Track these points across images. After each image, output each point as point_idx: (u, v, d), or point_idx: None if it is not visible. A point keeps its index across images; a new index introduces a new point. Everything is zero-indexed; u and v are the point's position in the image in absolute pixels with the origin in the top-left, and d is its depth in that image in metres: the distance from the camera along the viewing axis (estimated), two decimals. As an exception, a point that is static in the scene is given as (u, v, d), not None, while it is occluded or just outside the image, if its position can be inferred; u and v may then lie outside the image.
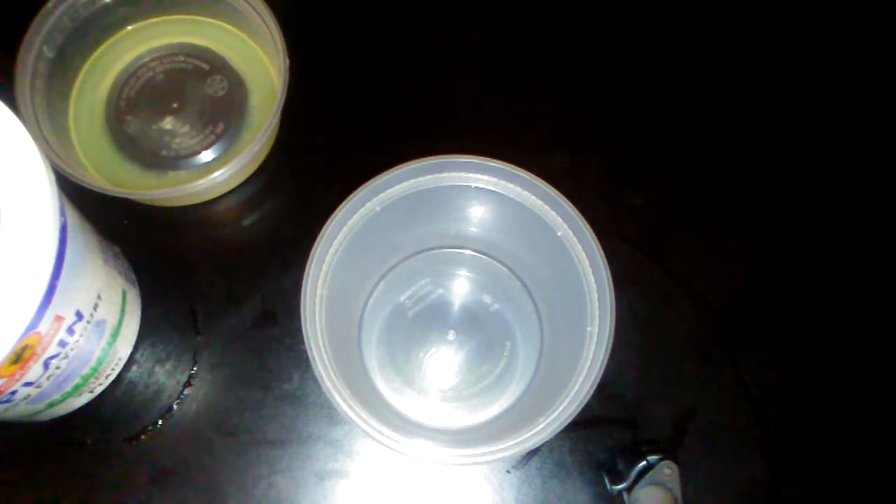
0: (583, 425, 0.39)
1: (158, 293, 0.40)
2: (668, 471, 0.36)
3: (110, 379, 0.37)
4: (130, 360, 0.38)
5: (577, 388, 0.32)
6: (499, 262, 0.40)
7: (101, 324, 0.33)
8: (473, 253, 0.41)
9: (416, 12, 0.47)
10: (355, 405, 0.31)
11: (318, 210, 0.34)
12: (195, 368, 0.39)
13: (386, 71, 0.46)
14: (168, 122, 0.42)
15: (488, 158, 0.34)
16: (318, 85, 0.44)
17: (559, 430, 0.31)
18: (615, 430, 0.39)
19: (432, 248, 0.41)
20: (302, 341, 0.31)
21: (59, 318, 0.28)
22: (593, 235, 0.34)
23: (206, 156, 0.42)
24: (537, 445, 0.31)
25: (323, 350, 0.32)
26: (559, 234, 0.35)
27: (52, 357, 0.30)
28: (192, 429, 0.38)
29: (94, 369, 0.35)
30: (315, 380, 0.31)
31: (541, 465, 0.39)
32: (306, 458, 0.38)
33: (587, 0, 0.49)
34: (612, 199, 0.44)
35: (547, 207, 0.35)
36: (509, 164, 0.34)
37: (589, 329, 0.33)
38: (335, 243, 0.34)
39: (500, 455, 0.31)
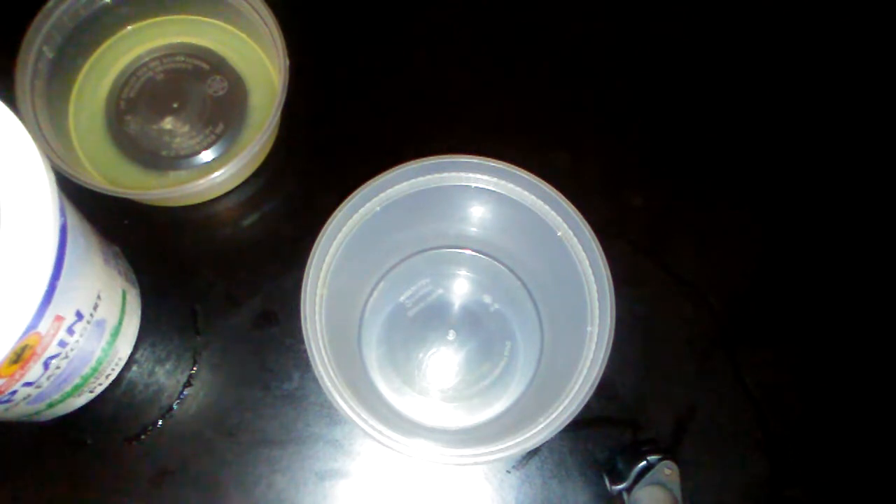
0: (583, 425, 0.39)
1: (158, 293, 0.40)
2: (668, 471, 0.36)
3: (110, 379, 0.37)
4: (130, 360, 0.38)
5: (577, 388, 0.32)
6: (499, 262, 0.40)
7: (101, 324, 0.33)
8: (473, 253, 0.41)
9: (417, 12, 0.47)
10: (355, 405, 0.31)
11: (318, 210, 0.34)
12: (195, 368, 0.39)
13: (386, 71, 0.46)
14: (168, 122, 0.42)
15: (488, 158, 0.34)
16: (318, 85, 0.44)
17: (559, 430, 0.31)
18: (615, 430, 0.39)
19: (432, 248, 0.40)
20: (302, 341, 0.31)
21: (59, 318, 0.28)
22: (593, 235, 0.34)
23: (206, 156, 0.42)
24: (537, 445, 0.31)
25: (323, 350, 0.32)
26: (559, 234, 0.35)
27: (53, 357, 0.30)
28: (192, 429, 0.38)
29: (94, 369, 0.35)
30: (315, 380, 0.31)
31: (541, 465, 0.39)
32: (306, 458, 0.38)
33: (588, 1, 0.49)
34: (612, 199, 0.44)
35: (547, 207, 0.35)
36: (509, 164, 0.34)
37: (589, 329, 0.33)
38: (335, 243, 0.34)
39: (500, 455, 0.31)
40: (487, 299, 0.40)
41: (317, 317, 0.33)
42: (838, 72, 0.48)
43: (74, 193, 0.32)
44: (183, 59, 0.43)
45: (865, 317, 0.43)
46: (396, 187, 0.35)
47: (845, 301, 0.43)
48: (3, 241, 0.25)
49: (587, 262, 0.34)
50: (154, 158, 0.41)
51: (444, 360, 0.39)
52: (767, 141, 0.46)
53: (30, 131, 0.27)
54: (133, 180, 0.41)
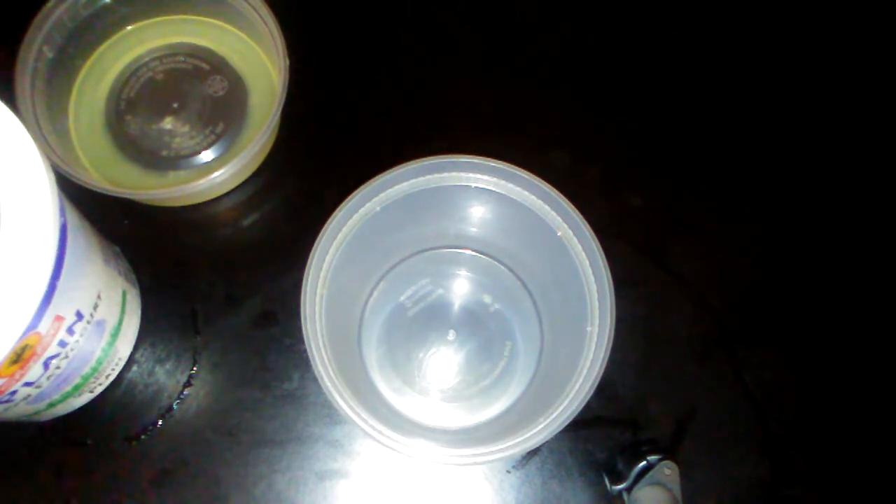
0: (583, 425, 0.39)
1: (158, 293, 0.40)
2: (668, 471, 0.36)
3: (110, 379, 0.37)
4: (130, 360, 0.38)
5: (577, 388, 0.32)
6: (499, 262, 0.40)
7: (101, 324, 0.33)
8: (473, 253, 0.41)
9: (418, 11, 0.47)
10: (355, 405, 0.31)
11: (318, 210, 0.34)
12: (195, 368, 0.39)
13: (386, 71, 0.46)
14: (168, 122, 0.42)
15: (488, 158, 0.34)
16: (318, 85, 0.44)
17: (559, 430, 0.31)
18: (615, 430, 0.39)
19: (432, 248, 0.41)
20: (302, 341, 0.31)
21: (59, 318, 0.28)
22: (593, 235, 0.34)
23: (206, 156, 0.42)
24: (537, 445, 0.31)
25: (323, 350, 0.32)
26: (559, 234, 0.35)
27: (53, 357, 0.30)
28: (192, 429, 0.38)
29: (94, 369, 0.35)
30: (315, 380, 0.31)
31: (541, 465, 0.39)
32: (306, 458, 0.38)
33: (588, 1, 0.49)
34: (612, 199, 0.44)
35: (547, 207, 0.35)
36: (509, 164, 0.34)
37: (589, 329, 0.33)
38: (335, 243, 0.34)
39: (500, 455, 0.31)
40: (487, 299, 0.40)
41: (317, 317, 0.33)
42: (838, 72, 0.48)
43: (74, 193, 0.32)
44: (183, 59, 0.43)
45: (865, 317, 0.43)
46: (396, 187, 0.35)
47: (845, 301, 0.43)
48: (3, 241, 0.25)
49: (587, 262, 0.34)
50: (154, 158, 0.41)
51: (444, 360, 0.39)
52: (767, 141, 0.46)
53: (30, 131, 0.27)
54: (133, 180, 0.41)
